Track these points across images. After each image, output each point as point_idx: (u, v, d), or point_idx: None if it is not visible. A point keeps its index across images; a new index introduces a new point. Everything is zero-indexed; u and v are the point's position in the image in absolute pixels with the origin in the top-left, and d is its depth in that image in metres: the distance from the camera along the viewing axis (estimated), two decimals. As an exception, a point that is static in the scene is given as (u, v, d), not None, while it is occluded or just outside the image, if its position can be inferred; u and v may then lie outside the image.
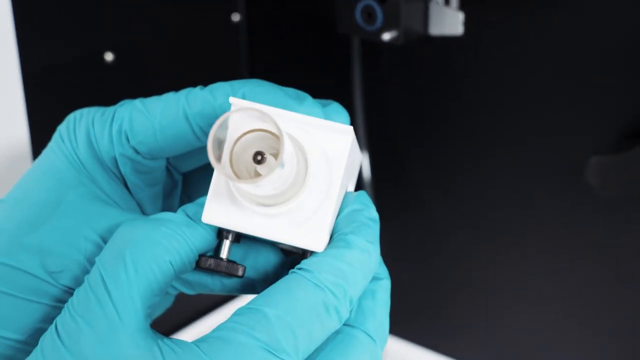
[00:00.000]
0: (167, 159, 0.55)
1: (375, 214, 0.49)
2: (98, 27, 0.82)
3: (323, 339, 0.45)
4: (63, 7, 0.78)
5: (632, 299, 0.83)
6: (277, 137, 0.44)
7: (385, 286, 0.49)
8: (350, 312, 0.47)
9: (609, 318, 0.85)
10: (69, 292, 0.49)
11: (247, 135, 0.46)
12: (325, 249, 0.47)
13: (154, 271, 0.45)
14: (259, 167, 0.44)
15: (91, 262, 0.49)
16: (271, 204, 0.47)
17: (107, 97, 0.70)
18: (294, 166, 0.45)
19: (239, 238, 0.49)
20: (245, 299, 0.98)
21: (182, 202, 0.58)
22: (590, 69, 0.78)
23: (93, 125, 0.52)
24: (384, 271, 0.50)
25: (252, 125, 0.46)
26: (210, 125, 0.50)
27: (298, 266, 0.46)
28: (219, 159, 0.45)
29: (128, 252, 0.45)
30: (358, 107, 0.90)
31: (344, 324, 0.47)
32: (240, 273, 0.49)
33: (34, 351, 0.44)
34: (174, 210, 0.57)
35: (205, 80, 0.57)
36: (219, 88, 0.51)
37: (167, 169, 0.56)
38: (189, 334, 0.99)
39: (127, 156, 0.52)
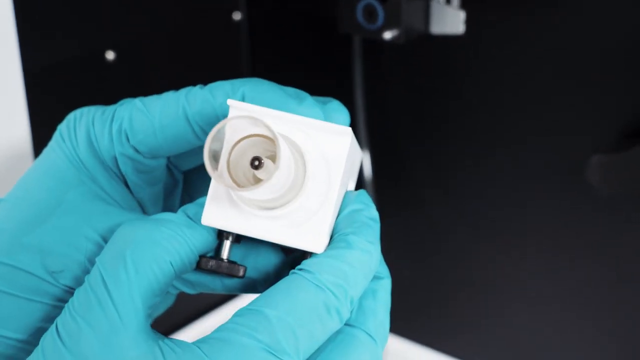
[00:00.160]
0: (168, 158, 0.55)
1: (375, 214, 0.49)
2: (99, 26, 0.82)
3: (324, 339, 0.45)
4: (64, 6, 0.79)
5: (632, 298, 0.83)
6: (273, 141, 0.44)
7: (386, 285, 0.49)
8: (351, 312, 0.47)
9: (609, 317, 0.85)
10: (70, 291, 0.49)
11: (243, 141, 0.46)
12: (326, 250, 0.47)
13: (155, 272, 0.45)
14: (257, 172, 0.44)
15: (92, 262, 0.49)
16: (271, 207, 0.47)
17: (108, 96, 0.70)
18: (292, 169, 0.45)
19: (240, 238, 0.49)
20: (246, 298, 0.98)
21: (183, 201, 0.58)
22: (590, 68, 0.78)
23: (93, 124, 0.52)
24: (384, 270, 0.50)
25: (247, 131, 0.46)
26: (210, 125, 0.50)
27: (299, 267, 0.46)
28: (216, 169, 0.45)
29: (128, 253, 0.45)
30: (359, 106, 0.90)
31: (344, 324, 0.47)
32: (241, 274, 0.49)
33: (35, 351, 0.44)
34: (175, 209, 0.57)
35: (206, 79, 0.57)
36: (219, 87, 0.51)
37: (168, 168, 0.56)
38: (190, 333, 0.99)
39: (127, 155, 0.52)
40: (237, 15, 0.96)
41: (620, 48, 0.76)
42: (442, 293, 0.96)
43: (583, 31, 0.77)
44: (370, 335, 0.48)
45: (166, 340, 0.44)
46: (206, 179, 0.52)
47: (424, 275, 0.97)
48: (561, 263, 0.86)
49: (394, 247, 0.96)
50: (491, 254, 0.90)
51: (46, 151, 0.54)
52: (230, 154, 0.46)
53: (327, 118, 0.51)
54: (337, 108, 0.52)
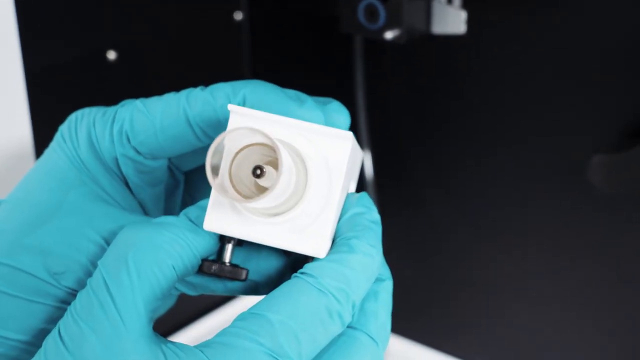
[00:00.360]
0: (169, 159, 0.55)
1: (377, 217, 0.49)
2: (100, 26, 0.83)
3: (326, 343, 0.45)
4: (65, 6, 0.79)
5: (632, 298, 0.83)
6: (273, 147, 0.44)
7: (387, 287, 0.49)
8: (353, 315, 0.47)
9: (609, 317, 0.85)
10: (72, 293, 0.49)
11: (244, 150, 0.46)
12: (328, 254, 0.47)
13: (157, 275, 0.45)
14: (260, 181, 0.44)
15: (94, 264, 0.49)
16: (273, 213, 0.47)
17: (109, 96, 0.70)
18: (294, 176, 0.46)
19: (242, 241, 0.50)
20: (247, 299, 0.98)
21: (185, 201, 0.58)
22: (591, 68, 0.78)
23: (94, 125, 0.52)
24: (386, 272, 0.50)
25: (246, 140, 0.46)
26: (211, 126, 0.50)
27: (301, 270, 0.46)
28: (219, 182, 0.45)
29: (131, 256, 0.45)
30: (360, 106, 0.90)
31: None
32: (243, 277, 0.49)
33: (37, 353, 0.44)
34: (176, 209, 0.57)
35: (207, 78, 0.57)
36: (220, 89, 0.51)
37: (169, 168, 0.56)
38: (190, 333, 0.99)
39: (128, 156, 0.52)
40: (238, 15, 0.96)
41: (621, 48, 0.76)
42: (443, 293, 0.97)
43: (584, 31, 0.77)
44: (372, 337, 0.48)
45: (169, 344, 0.44)
46: (207, 180, 0.52)
47: (425, 275, 0.97)
48: (562, 263, 0.86)
49: (395, 247, 0.96)
50: (492, 254, 0.90)
51: (47, 152, 0.53)
52: (231, 165, 0.46)
53: (327, 119, 0.51)
54: (338, 109, 0.52)
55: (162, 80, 0.88)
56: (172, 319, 0.98)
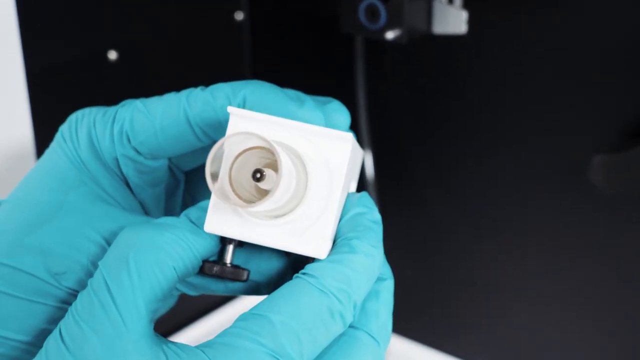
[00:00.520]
0: (169, 159, 0.55)
1: (378, 216, 0.49)
2: (101, 26, 0.83)
3: (327, 343, 0.45)
4: (66, 6, 0.79)
5: (632, 298, 0.83)
6: (272, 151, 0.44)
7: (388, 287, 0.50)
8: (354, 315, 0.47)
9: (609, 317, 0.85)
10: (73, 294, 0.49)
11: (242, 154, 0.46)
12: (330, 254, 0.47)
13: (158, 277, 0.45)
14: (260, 184, 0.45)
15: (94, 264, 0.49)
16: (274, 216, 0.47)
17: (110, 96, 0.70)
18: (294, 178, 0.46)
19: (243, 242, 0.50)
20: (247, 298, 0.98)
21: (185, 201, 0.58)
22: (591, 68, 0.78)
23: (94, 125, 0.52)
24: (387, 271, 0.50)
25: (245, 144, 0.46)
26: (211, 126, 0.50)
27: (302, 271, 0.46)
28: (220, 188, 0.45)
29: (132, 257, 0.45)
30: (361, 106, 0.90)
31: None
32: (244, 278, 0.49)
33: (39, 354, 0.44)
34: (177, 209, 0.57)
35: (207, 78, 0.57)
36: (220, 89, 0.51)
37: (170, 168, 0.56)
38: (191, 333, 0.99)
39: (128, 157, 0.52)
40: (239, 15, 0.96)
41: (621, 48, 0.76)
42: (443, 293, 0.97)
43: (584, 31, 0.77)
44: (373, 337, 0.48)
45: (170, 345, 0.44)
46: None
47: (426, 275, 0.97)
48: (562, 263, 0.86)
49: (396, 247, 0.96)
50: (493, 254, 0.90)
51: (48, 152, 0.53)
52: (230, 170, 0.46)
53: (327, 119, 0.51)
54: (338, 108, 0.52)
55: (162, 81, 0.88)
56: (172, 319, 0.98)
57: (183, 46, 0.91)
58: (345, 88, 0.92)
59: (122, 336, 0.43)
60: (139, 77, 0.87)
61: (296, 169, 0.46)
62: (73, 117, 0.53)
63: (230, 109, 0.48)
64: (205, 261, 0.49)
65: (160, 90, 0.53)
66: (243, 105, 0.50)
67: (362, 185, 0.91)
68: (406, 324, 0.99)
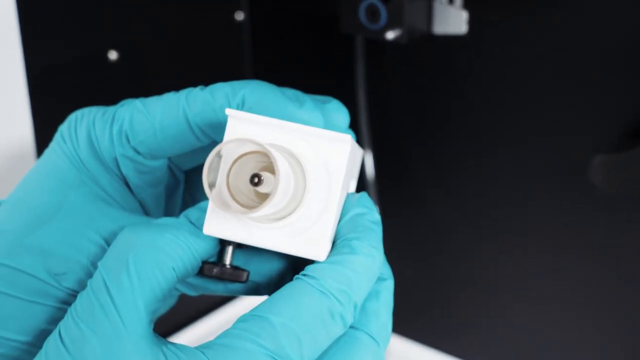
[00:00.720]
0: (169, 158, 0.55)
1: (377, 217, 0.49)
2: (101, 26, 0.83)
3: (327, 344, 0.45)
4: (67, 6, 0.79)
5: (632, 298, 0.83)
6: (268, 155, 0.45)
7: (388, 287, 0.50)
8: (354, 316, 0.47)
9: (609, 317, 0.85)
10: (73, 294, 0.49)
11: (239, 160, 0.46)
12: (330, 255, 0.47)
13: (157, 277, 0.45)
14: (259, 188, 0.45)
15: (94, 265, 0.49)
16: (273, 219, 0.47)
17: (111, 96, 0.70)
18: (292, 181, 0.46)
19: (242, 244, 0.50)
20: (247, 298, 0.98)
21: (185, 200, 0.58)
22: (591, 68, 0.78)
23: (94, 125, 0.52)
24: (387, 271, 0.50)
25: (242, 150, 0.46)
26: (210, 126, 0.50)
27: (303, 272, 0.46)
28: (218, 194, 0.45)
29: (131, 258, 0.45)
30: (361, 106, 0.90)
31: None
32: (244, 279, 0.49)
33: (38, 355, 0.44)
34: (177, 209, 0.57)
35: (208, 78, 0.57)
36: (219, 89, 0.51)
37: (169, 168, 0.56)
38: (191, 333, 0.99)
39: (128, 157, 0.52)
40: (239, 16, 0.96)
41: (621, 48, 0.76)
42: (443, 293, 0.97)
43: (584, 31, 0.77)
44: (373, 337, 0.48)
45: (169, 346, 0.44)
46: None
47: (426, 275, 0.97)
48: (562, 263, 0.86)
49: (396, 247, 0.96)
50: (493, 254, 0.90)
51: (47, 152, 0.53)
52: (228, 176, 0.46)
53: (326, 118, 0.51)
54: (337, 108, 0.52)
55: (163, 81, 0.88)
56: (172, 319, 0.98)
57: (183, 46, 0.91)
58: (345, 88, 0.92)
59: (122, 337, 0.43)
60: (139, 77, 0.87)
61: (294, 171, 0.46)
62: (72, 117, 0.53)
63: (228, 111, 0.48)
64: (204, 262, 0.49)
65: (160, 90, 0.53)
66: (242, 105, 0.50)
67: (362, 185, 0.91)
68: (406, 324, 0.99)
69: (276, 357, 0.43)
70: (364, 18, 0.80)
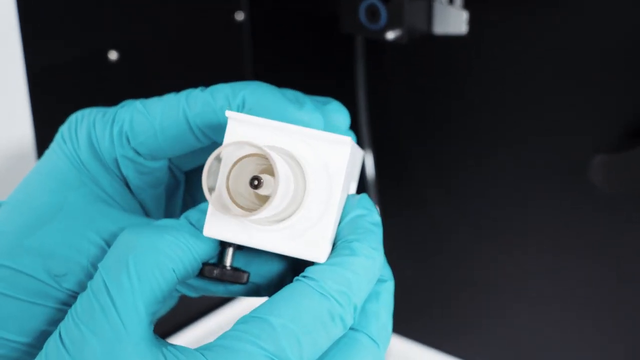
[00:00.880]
0: (169, 159, 0.55)
1: (378, 218, 0.49)
2: (101, 26, 0.83)
3: (327, 346, 0.45)
4: (67, 6, 0.79)
5: (632, 298, 0.83)
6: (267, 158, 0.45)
7: (389, 288, 0.50)
8: (354, 317, 0.47)
9: (609, 317, 0.85)
10: (74, 295, 0.49)
11: (238, 163, 0.46)
12: (330, 257, 0.47)
13: (158, 279, 0.45)
14: (259, 190, 0.45)
15: (94, 266, 0.49)
16: (273, 221, 0.47)
17: (111, 96, 0.70)
18: (291, 183, 0.46)
19: (242, 245, 0.50)
20: (247, 299, 0.98)
21: (185, 201, 0.58)
22: (591, 68, 0.78)
23: (94, 126, 0.52)
24: (388, 273, 0.50)
25: (241, 152, 0.46)
26: (210, 127, 0.50)
27: (303, 274, 0.46)
28: (218, 198, 0.45)
29: (131, 260, 0.45)
30: (361, 106, 0.90)
31: None
32: (244, 281, 0.49)
33: (39, 355, 0.44)
34: (177, 210, 0.57)
35: (208, 78, 0.57)
36: (220, 90, 0.51)
37: (170, 169, 0.56)
38: (191, 334, 0.99)
39: (128, 157, 0.52)
40: (239, 16, 0.96)
41: (621, 48, 0.76)
42: (443, 293, 0.97)
43: (584, 31, 0.77)
44: (373, 339, 0.48)
45: (170, 347, 0.44)
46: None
47: (426, 275, 0.97)
48: (562, 263, 0.86)
49: (396, 247, 0.96)
50: (493, 254, 0.90)
51: (47, 153, 0.53)
52: (228, 179, 0.46)
53: (327, 120, 0.51)
54: (337, 109, 0.52)
55: (163, 81, 0.88)
56: (172, 320, 0.98)
57: (183, 46, 0.91)
58: (345, 88, 0.92)
59: (122, 339, 0.43)
60: (139, 77, 0.87)
61: (294, 173, 0.46)
62: (73, 118, 0.53)
63: (228, 113, 0.48)
64: (205, 264, 0.49)
65: (160, 91, 0.53)
66: (242, 106, 0.50)
67: (362, 185, 0.91)
68: (406, 324, 0.99)
69: (276, 359, 0.43)
70: (364, 18, 0.80)
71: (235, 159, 0.46)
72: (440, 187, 0.92)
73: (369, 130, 0.91)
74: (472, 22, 0.80)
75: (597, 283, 0.84)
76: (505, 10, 0.80)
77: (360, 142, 0.91)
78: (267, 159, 0.45)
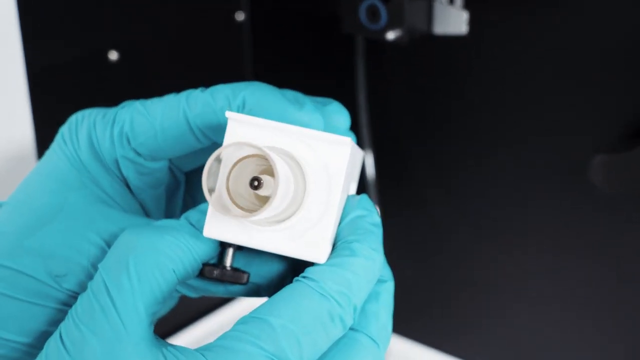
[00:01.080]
0: (169, 160, 0.55)
1: (378, 219, 0.49)
2: (102, 26, 0.83)
3: (327, 346, 0.45)
4: (67, 6, 0.79)
5: (632, 298, 0.83)
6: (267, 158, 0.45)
7: (389, 288, 0.50)
8: (354, 318, 0.47)
9: (609, 317, 0.85)
10: (74, 296, 0.49)
11: (238, 164, 0.46)
12: (330, 258, 0.47)
13: (158, 280, 0.45)
14: (259, 191, 0.45)
15: (95, 266, 0.49)
16: (273, 222, 0.47)
17: (111, 96, 0.70)
18: (291, 184, 0.46)
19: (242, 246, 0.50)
20: (247, 299, 0.98)
21: (186, 202, 0.58)
22: (591, 68, 0.78)
23: (95, 127, 0.52)
24: (388, 273, 0.50)
25: (241, 153, 0.46)
26: (211, 128, 0.50)
27: (303, 274, 0.46)
28: (217, 199, 0.45)
29: (131, 260, 0.45)
30: (361, 106, 0.90)
31: None
32: (244, 281, 0.49)
33: (39, 356, 0.44)
34: (177, 210, 0.57)
35: (208, 79, 0.57)
36: (220, 91, 0.51)
37: (170, 169, 0.56)
38: (191, 334, 0.99)
39: (128, 158, 0.52)
40: (240, 16, 0.96)
41: (621, 48, 0.76)
42: (443, 293, 0.97)
43: (584, 31, 0.77)
44: (373, 339, 0.48)
45: (170, 348, 0.44)
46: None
47: (426, 275, 0.97)
48: (562, 263, 0.86)
49: (396, 247, 0.96)
50: (493, 254, 0.90)
51: (48, 153, 0.54)
52: (228, 180, 0.46)
53: (327, 121, 0.51)
54: (337, 110, 0.53)
55: (163, 81, 0.88)
56: (172, 320, 0.98)
57: (184, 46, 0.91)
58: (345, 88, 0.92)
59: (122, 339, 0.43)
60: (140, 78, 0.87)
61: (293, 174, 0.46)
62: (73, 119, 0.54)
63: (228, 113, 0.48)
64: (205, 264, 0.49)
65: (161, 91, 0.54)
66: (242, 107, 0.50)
67: (362, 186, 0.91)
68: (406, 324, 0.99)
69: (276, 359, 0.43)
70: (365, 18, 0.80)
71: (235, 160, 0.46)
72: (440, 187, 0.92)
73: (369, 131, 0.91)
74: (472, 22, 0.80)
75: (597, 283, 0.84)
76: (505, 10, 0.80)
77: (360, 143, 0.91)
78: (267, 159, 0.45)
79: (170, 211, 0.57)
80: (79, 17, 0.80)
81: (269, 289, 0.51)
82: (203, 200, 0.57)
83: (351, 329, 0.47)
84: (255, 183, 0.44)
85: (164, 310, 0.54)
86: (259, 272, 0.51)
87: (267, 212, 0.44)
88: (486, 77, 0.85)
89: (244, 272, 0.49)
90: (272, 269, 0.51)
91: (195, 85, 0.52)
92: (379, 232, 0.48)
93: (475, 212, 0.90)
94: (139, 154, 0.52)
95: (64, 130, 0.53)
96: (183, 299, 0.57)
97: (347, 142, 0.47)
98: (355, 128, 0.87)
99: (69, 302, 0.49)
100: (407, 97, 0.91)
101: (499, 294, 0.92)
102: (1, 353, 0.48)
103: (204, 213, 0.49)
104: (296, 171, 0.46)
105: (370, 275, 0.46)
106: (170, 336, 0.98)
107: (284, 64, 1.00)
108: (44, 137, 0.76)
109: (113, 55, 0.83)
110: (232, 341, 0.43)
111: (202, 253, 0.48)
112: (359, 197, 0.50)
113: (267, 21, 0.98)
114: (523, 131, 0.84)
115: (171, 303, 0.56)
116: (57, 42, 0.79)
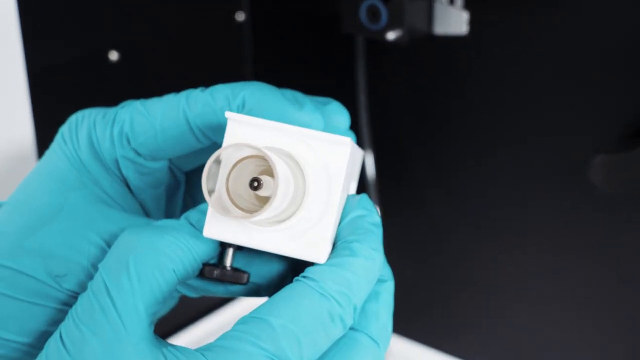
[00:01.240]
0: (170, 160, 0.55)
1: (377, 219, 0.49)
2: (102, 26, 0.83)
3: (327, 346, 0.45)
4: (67, 6, 0.79)
5: (632, 298, 0.83)
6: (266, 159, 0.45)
7: (389, 288, 0.50)
8: (354, 318, 0.47)
9: (609, 317, 0.85)
10: (74, 296, 0.49)
11: (238, 165, 0.46)
12: (330, 258, 0.47)
13: (158, 280, 0.45)
14: (259, 192, 0.45)
15: (95, 266, 0.49)
16: (273, 222, 0.47)
17: (111, 96, 0.70)
18: (291, 185, 0.46)
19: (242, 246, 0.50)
20: (247, 299, 0.98)
21: (186, 201, 0.58)
22: (591, 68, 0.78)
23: (95, 127, 0.52)
24: (388, 273, 0.50)
25: (240, 154, 0.46)
26: (210, 128, 0.50)
27: (303, 274, 0.46)
28: (217, 200, 0.45)
29: (131, 260, 0.45)
30: (362, 106, 0.90)
31: None
32: (244, 281, 0.49)
33: (39, 356, 0.44)
34: (177, 210, 0.57)
35: (208, 79, 0.57)
36: (220, 90, 0.51)
37: (170, 169, 0.56)
38: (191, 334, 0.99)
39: (128, 158, 0.52)
40: (240, 16, 0.96)
41: (621, 48, 0.76)
42: (443, 293, 0.97)
43: (584, 31, 0.77)
44: (373, 339, 0.48)
45: (170, 348, 0.44)
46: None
47: (426, 275, 0.97)
48: (562, 263, 0.86)
49: (396, 247, 0.96)
50: (493, 254, 0.90)
51: (48, 153, 0.54)
52: (227, 181, 0.46)
53: (327, 120, 0.51)
54: (337, 109, 0.53)
55: (163, 81, 0.88)
56: (172, 320, 0.98)
57: (184, 46, 0.91)
58: (345, 88, 0.92)
59: (122, 339, 0.43)
60: (140, 78, 0.87)
61: (293, 174, 0.46)
62: (73, 119, 0.54)
63: (228, 114, 0.48)
64: (205, 264, 0.49)
65: (160, 91, 0.53)
66: (242, 107, 0.50)
67: (362, 186, 0.91)
68: (406, 324, 0.99)
69: (276, 359, 0.43)
70: (365, 18, 0.80)
71: (234, 161, 0.46)
72: (440, 187, 0.92)
73: (369, 131, 0.91)
74: (472, 23, 0.80)
75: (597, 283, 0.84)
76: (505, 10, 0.80)
77: (360, 142, 0.91)
78: (266, 160, 0.45)
79: (170, 211, 0.57)
80: (79, 17, 0.80)
81: (269, 289, 0.51)
82: (203, 200, 0.57)
83: (351, 328, 0.47)
84: (255, 184, 0.44)
85: (164, 310, 0.54)
86: (259, 272, 0.51)
87: (267, 212, 0.44)
88: (486, 77, 0.85)
89: (244, 272, 0.49)
90: (272, 269, 0.51)
91: (195, 85, 0.52)
92: (379, 232, 0.48)
93: (475, 212, 0.90)
94: (139, 154, 0.52)
95: (64, 130, 0.53)
96: (183, 299, 0.57)
97: (347, 142, 0.47)
98: (355, 128, 0.87)
99: (69, 302, 0.49)
100: (407, 97, 0.91)
101: (499, 294, 0.92)
102: (1, 353, 0.48)
103: (204, 213, 0.49)
104: (296, 171, 0.46)
105: (370, 275, 0.46)
106: (170, 336, 0.98)
107: (284, 64, 1.00)
108: (44, 137, 0.76)
109: (113, 55, 0.83)
110: (232, 341, 0.43)
111: (202, 253, 0.48)
112: (358, 196, 0.50)
113: (267, 21, 0.98)
114: (523, 131, 0.84)
115: (171, 303, 0.56)
116: (57, 42, 0.79)
